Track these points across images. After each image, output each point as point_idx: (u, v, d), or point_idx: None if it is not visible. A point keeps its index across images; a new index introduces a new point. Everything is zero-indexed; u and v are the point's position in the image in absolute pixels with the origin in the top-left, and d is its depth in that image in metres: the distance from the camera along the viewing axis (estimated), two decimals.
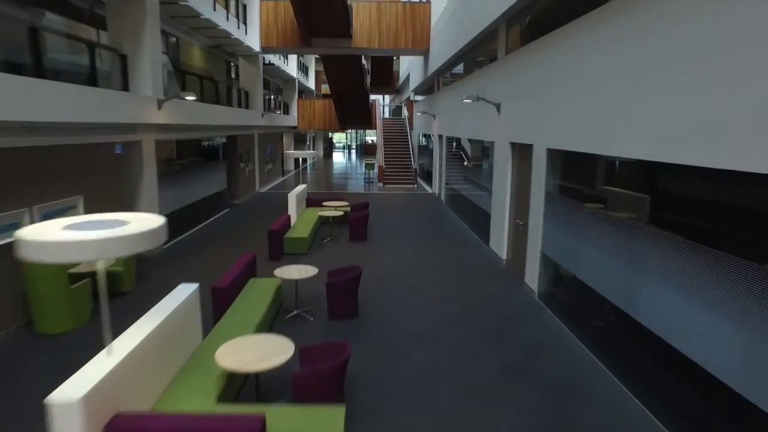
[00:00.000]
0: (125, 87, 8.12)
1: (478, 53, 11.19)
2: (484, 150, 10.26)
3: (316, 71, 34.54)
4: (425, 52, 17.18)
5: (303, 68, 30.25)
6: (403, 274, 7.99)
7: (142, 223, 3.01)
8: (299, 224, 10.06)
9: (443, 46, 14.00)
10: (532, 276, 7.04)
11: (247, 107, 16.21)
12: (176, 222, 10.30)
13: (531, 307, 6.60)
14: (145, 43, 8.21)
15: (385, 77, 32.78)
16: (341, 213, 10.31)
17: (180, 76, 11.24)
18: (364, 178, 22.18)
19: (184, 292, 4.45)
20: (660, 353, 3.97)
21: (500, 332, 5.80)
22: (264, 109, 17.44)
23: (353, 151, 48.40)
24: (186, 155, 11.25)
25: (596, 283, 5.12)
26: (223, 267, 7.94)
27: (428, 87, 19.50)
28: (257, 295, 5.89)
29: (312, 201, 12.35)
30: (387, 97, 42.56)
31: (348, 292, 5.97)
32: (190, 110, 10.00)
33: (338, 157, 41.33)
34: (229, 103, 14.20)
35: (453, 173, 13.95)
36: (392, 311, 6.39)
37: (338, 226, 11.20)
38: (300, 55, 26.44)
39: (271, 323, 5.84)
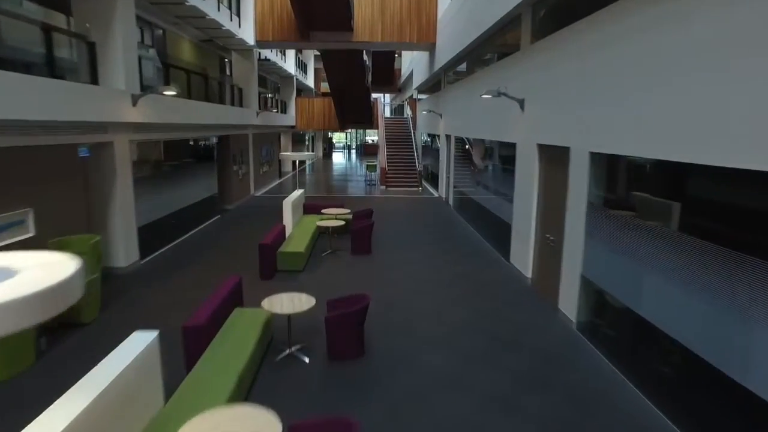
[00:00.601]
0: (94, 80, 7.04)
1: (491, 46, 10.13)
2: (500, 151, 9.20)
3: (315, 69, 33.46)
4: (431, 47, 16.11)
5: (301, 66, 29.18)
6: (414, 295, 6.92)
7: (41, 272, 1.93)
8: (295, 235, 8.97)
9: (452, 40, 12.92)
10: (569, 302, 5.97)
11: (240, 105, 15.13)
12: (158, 232, 9.23)
13: (570, 341, 5.53)
14: (117, 29, 7.12)
15: (386, 75, 31.73)
16: (342, 222, 9.21)
17: (164, 70, 10.15)
18: (366, 180, 21.11)
19: (139, 343, 3.38)
20: (761, 416, 2.91)
21: (539, 376, 4.73)
22: (259, 108, 16.35)
23: (353, 152, 47.31)
24: (173, 157, 10.17)
25: (662, 321, 4.05)
26: (207, 287, 6.86)
27: (434, 84, 18.43)
28: (242, 332, 4.82)
29: (310, 208, 11.26)
30: (387, 96, 41.51)
31: (352, 328, 4.89)
32: (173, 107, 8.92)
33: (338, 158, 40.24)
34: (222, 101, 13.12)
35: (463, 176, 12.87)
36: (404, 346, 5.32)
37: (339, 236, 10.13)
38: (298, 50, 25.36)
39: (258, 367, 4.77)
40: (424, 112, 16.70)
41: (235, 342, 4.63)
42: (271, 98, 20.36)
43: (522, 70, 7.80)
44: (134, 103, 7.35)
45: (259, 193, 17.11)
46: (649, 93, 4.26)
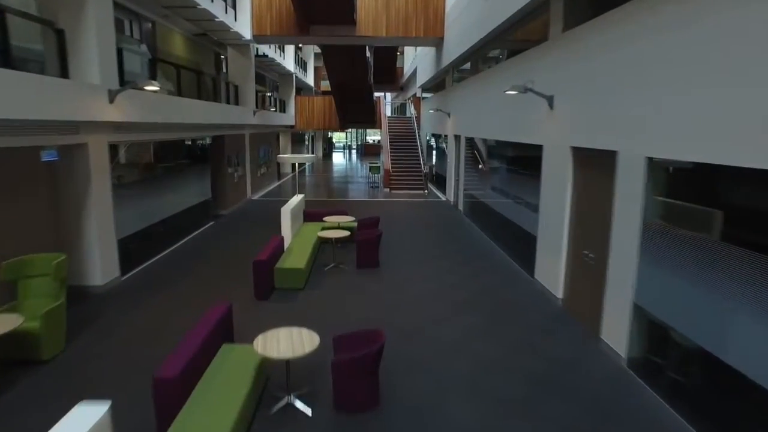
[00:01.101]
0: (64, 73, 6.14)
1: (507, 39, 9.25)
2: (520, 153, 8.32)
3: (315, 67, 32.55)
4: (438, 42, 15.22)
5: (301, 63, 28.29)
6: (432, 322, 6.02)
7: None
8: (294, 248, 8.08)
9: (462, 33, 12.04)
10: (616, 333, 5.08)
11: (236, 104, 14.24)
12: (145, 243, 8.35)
13: (621, 381, 4.65)
14: (90, 15, 6.22)
15: (388, 73, 30.88)
16: (346, 233, 8.30)
17: (151, 64, 9.25)
18: (368, 182, 20.22)
19: (85, 421, 2.49)
20: None
21: (589, 430, 3.86)
22: (257, 107, 15.46)
23: (353, 152, 46.40)
24: (164, 159, 9.28)
25: (745, 364, 3.17)
26: (195, 310, 5.99)
27: (440, 82, 17.54)
28: (230, 377, 3.94)
29: (311, 215, 10.36)
30: (389, 95, 40.58)
31: (364, 374, 4.00)
32: (159, 105, 8.03)
33: (338, 158, 39.35)
34: (216, 99, 12.23)
35: (476, 180, 11.98)
36: (425, 392, 4.43)
37: (342, 246, 9.24)
38: (297, 46, 24.44)
39: (250, 423, 3.88)
40: (431, 111, 15.84)
41: (222, 390, 3.75)
42: (270, 97, 19.48)
43: (550, 63, 6.91)
44: (111, 100, 6.45)
45: (256, 197, 16.22)
46: (735, 89, 3.38)
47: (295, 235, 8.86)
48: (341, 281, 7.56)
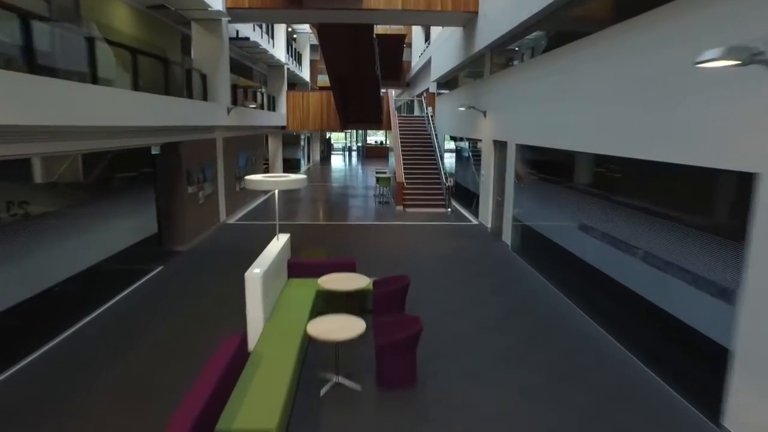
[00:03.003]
0: None
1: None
2: (645, 173, 4.74)
3: (312, 60, 28.93)
4: (469, 19, 11.64)
5: (295, 55, 24.68)
6: None
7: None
8: (264, 360, 4.38)
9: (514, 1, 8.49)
10: None
11: (204, 99, 10.64)
12: (29, 323, 4.77)
13: None
14: None
15: (393, 67, 27.12)
16: (359, 331, 4.53)
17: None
18: (375, 197, 16.54)
19: None
20: None
21: None
22: (234, 103, 11.84)
23: (353, 153, 42.64)
24: (71, 182, 5.70)
25: None
26: None
27: (471, 73, 13.94)
28: None
29: (298, 268, 6.67)
30: (393, 92, 36.91)
31: None
32: (51, 98, 4.45)
33: (337, 162, 35.69)
34: (170, 91, 8.64)
35: (537, 204, 8.36)
36: None
37: (351, 306, 5.62)
38: (290, 31, 20.75)
39: None
40: (461, 109, 12.13)
41: None
42: (255, 92, 15.84)
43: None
44: None
45: (233, 220, 12.57)
46: None
47: (270, 316, 5.23)
48: (349, 427, 3.95)
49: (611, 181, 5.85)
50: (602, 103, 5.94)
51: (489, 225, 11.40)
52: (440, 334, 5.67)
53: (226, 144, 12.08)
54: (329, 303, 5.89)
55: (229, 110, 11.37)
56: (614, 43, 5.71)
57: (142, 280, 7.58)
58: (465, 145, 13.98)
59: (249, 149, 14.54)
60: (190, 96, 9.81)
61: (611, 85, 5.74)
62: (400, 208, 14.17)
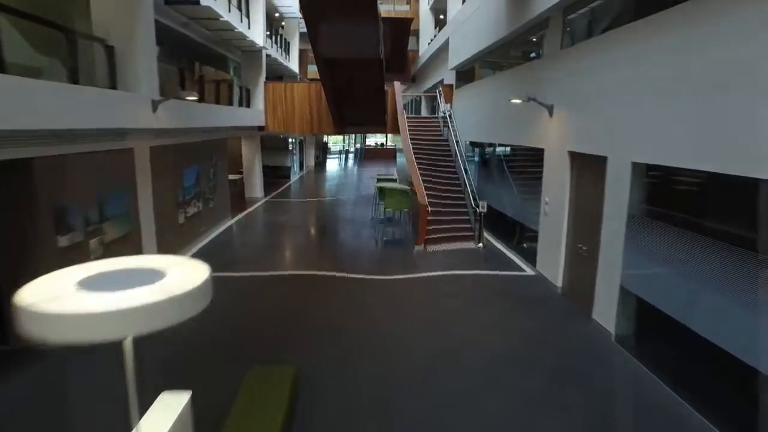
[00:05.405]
0: None
1: None
2: None
3: (301, 50, 24.91)
4: None
5: (283, 45, 20.67)
6: None
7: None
8: None
9: None
10: None
11: (113, 86, 6.65)
12: None
13: None
14: None
15: (396, 59, 22.90)
16: None
17: None
18: (375, 227, 12.06)
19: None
20: None
21: None
22: (160, 94, 7.76)
23: (350, 156, 38.46)
24: None
25: None
26: None
27: (520, 55, 9.95)
28: None
29: None
30: (399, 86, 32.83)
31: None
32: None
33: (333, 167, 31.63)
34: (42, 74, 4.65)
35: (675, 267, 4.33)
36: None
37: None
38: (274, 13, 16.64)
39: None
40: (515, 101, 7.79)
41: None
42: (228, 84, 11.80)
43: None
44: None
45: None
46: None
47: None
48: None
49: None
50: None
51: (559, 282, 7.36)
52: None
53: (156, 156, 8.03)
54: None
55: (155, 104, 7.33)
56: None
57: None
58: (494, 149, 9.94)
59: (203, 160, 10.47)
60: (74, 81, 5.79)
61: None
62: (420, 247, 9.99)
